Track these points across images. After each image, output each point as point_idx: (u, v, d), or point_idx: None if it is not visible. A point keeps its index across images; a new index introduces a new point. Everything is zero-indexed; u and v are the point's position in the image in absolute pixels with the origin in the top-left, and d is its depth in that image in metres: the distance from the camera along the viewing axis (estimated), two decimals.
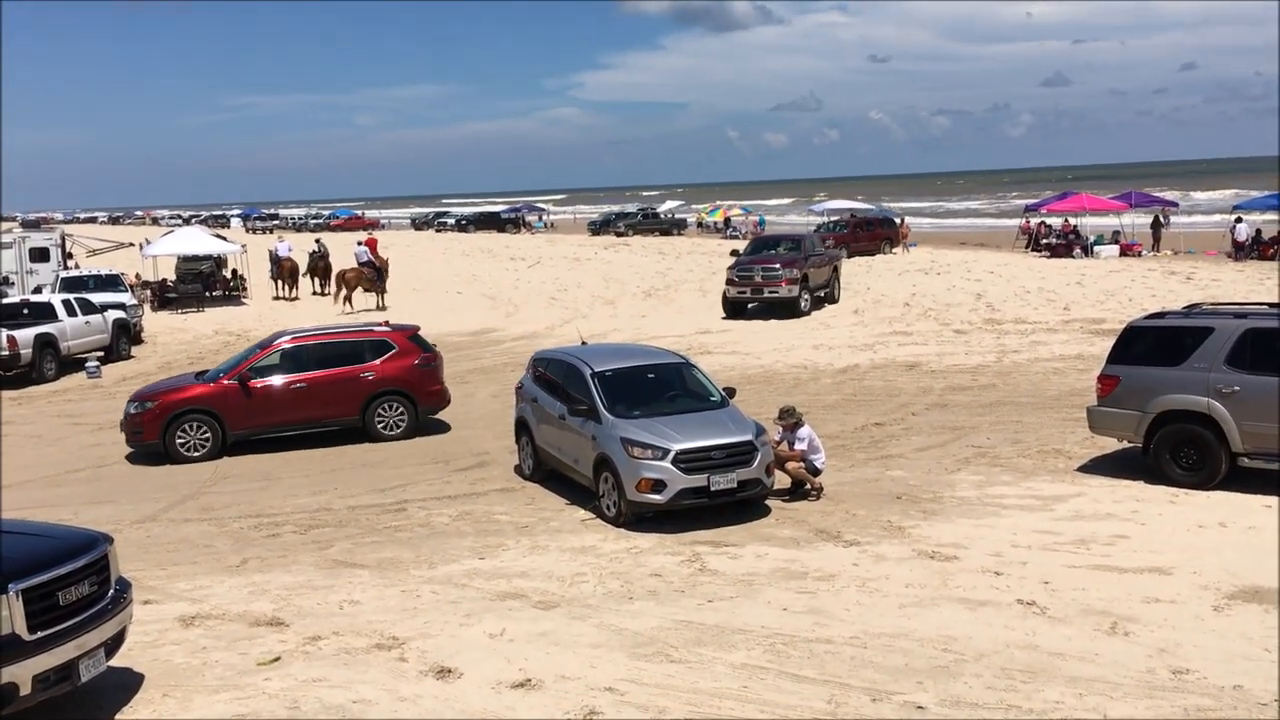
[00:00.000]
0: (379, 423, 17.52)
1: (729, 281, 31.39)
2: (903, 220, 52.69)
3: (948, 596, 9.61)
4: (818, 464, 13.19)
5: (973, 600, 9.48)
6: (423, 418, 17.81)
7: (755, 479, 12.21)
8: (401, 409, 17.60)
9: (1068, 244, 44.28)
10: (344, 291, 34.71)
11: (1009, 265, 40.94)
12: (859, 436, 16.26)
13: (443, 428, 18.30)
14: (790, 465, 13.03)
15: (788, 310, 30.07)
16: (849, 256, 46.66)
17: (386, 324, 18.97)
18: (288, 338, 17.97)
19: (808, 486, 13.08)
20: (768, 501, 12.71)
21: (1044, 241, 46.21)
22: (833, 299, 32.45)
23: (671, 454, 11.92)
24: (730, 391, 13.69)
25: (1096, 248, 43.74)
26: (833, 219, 56.64)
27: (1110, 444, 14.31)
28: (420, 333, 18.88)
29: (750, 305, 30.99)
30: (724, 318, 30.62)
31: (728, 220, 72.36)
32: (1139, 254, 43.00)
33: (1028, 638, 8.64)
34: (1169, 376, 12.90)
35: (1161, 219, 47.74)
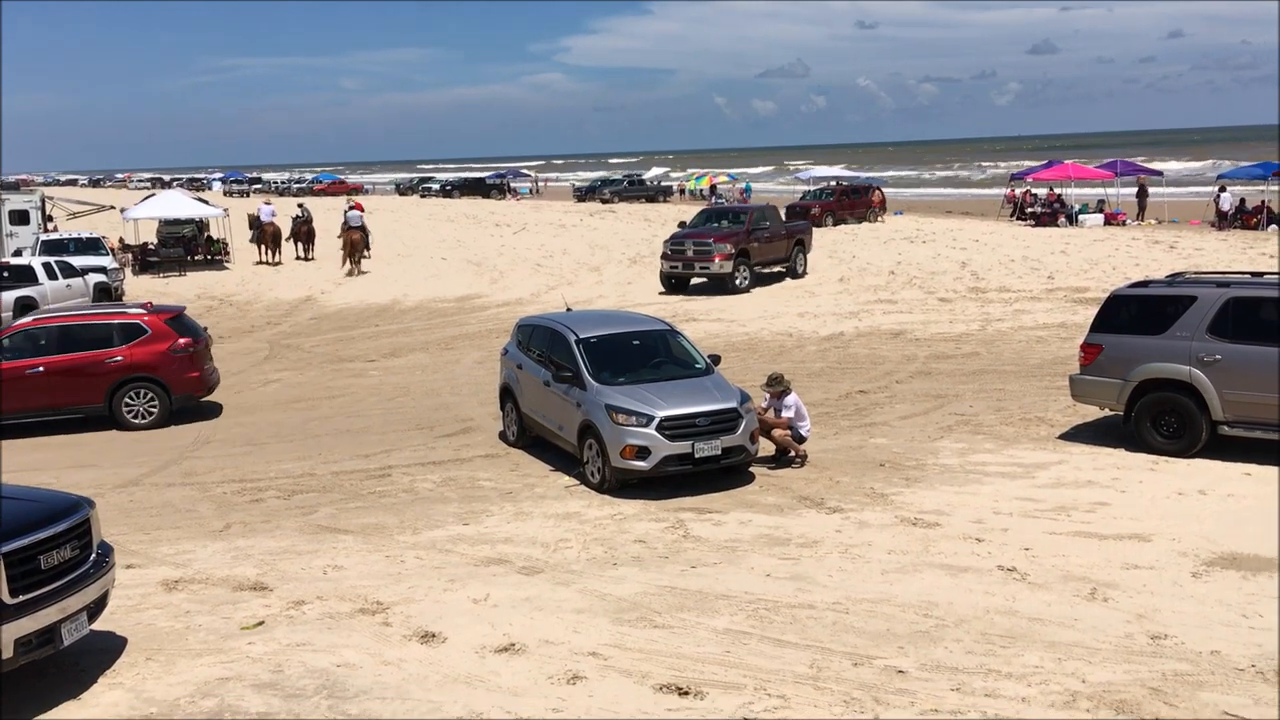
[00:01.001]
0: (127, 411, 16.55)
1: (662, 255, 30.12)
2: (876, 189, 52.18)
3: (929, 563, 9.67)
4: (803, 431, 13.23)
5: (954, 566, 9.55)
6: (177, 405, 16.83)
7: (739, 446, 12.24)
8: (152, 396, 16.62)
9: (1052, 213, 44.30)
10: (355, 254, 35.80)
11: (994, 234, 40.96)
12: (843, 404, 16.31)
13: (429, 395, 18.27)
14: (775, 432, 13.06)
15: (719, 286, 28.76)
16: (834, 224, 46.77)
17: (149, 305, 17.93)
18: (30, 318, 17.22)
19: (792, 454, 13.12)
20: (752, 468, 12.75)
21: (1029, 210, 46.22)
22: (794, 274, 31.22)
23: (656, 420, 11.93)
24: (715, 359, 13.70)
25: (1081, 217, 43.79)
26: (818, 186, 56.56)
27: (1092, 412, 14.39)
28: (185, 315, 17.85)
29: (692, 280, 29.76)
30: (660, 293, 29.23)
31: (713, 188, 72.14)
32: (1123, 223, 43.08)
33: (1008, 603, 8.71)
34: (1151, 345, 12.96)
35: (1146, 188, 47.81)
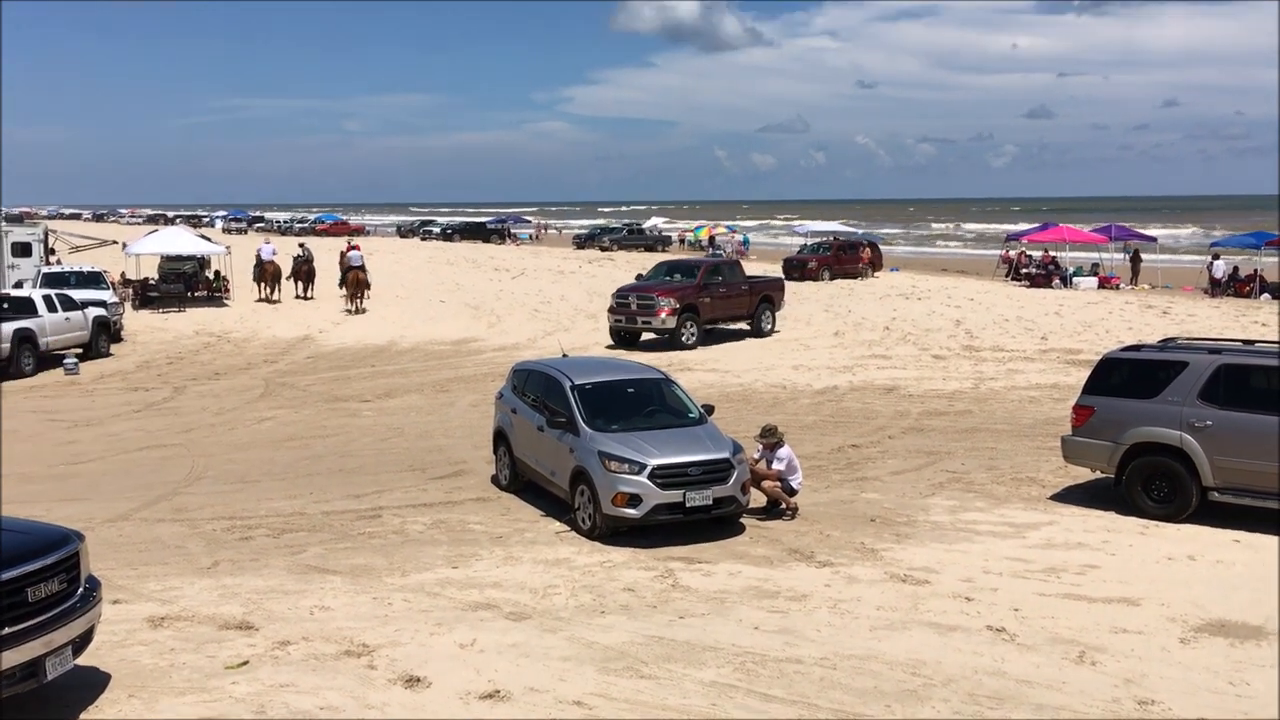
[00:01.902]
0: None
1: (609, 309, 29.36)
2: (864, 246, 51.90)
3: (918, 620, 9.66)
4: (794, 484, 13.25)
5: (943, 625, 9.54)
6: None
7: (731, 496, 12.25)
8: None
9: (1047, 274, 44.60)
10: (359, 292, 36.31)
11: (989, 293, 41.20)
12: (835, 458, 16.33)
13: (422, 436, 18.27)
14: (766, 484, 13.08)
15: (668, 342, 27.68)
16: (830, 278, 47.00)
17: None
18: None
19: (783, 506, 13.13)
20: (742, 520, 12.75)
21: (1024, 271, 46.52)
22: (759, 332, 30.06)
23: (648, 469, 11.95)
24: (709, 408, 13.74)
25: (1075, 279, 44.09)
26: (816, 241, 56.92)
27: (1083, 474, 14.42)
28: None
29: (640, 336, 28.64)
30: (608, 346, 28.15)
31: (712, 239, 72.56)
32: (1117, 287, 43.37)
33: (996, 664, 8.69)
34: (1143, 409, 13.02)
35: (1140, 253, 48.18)
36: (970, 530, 12.51)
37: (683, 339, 27.93)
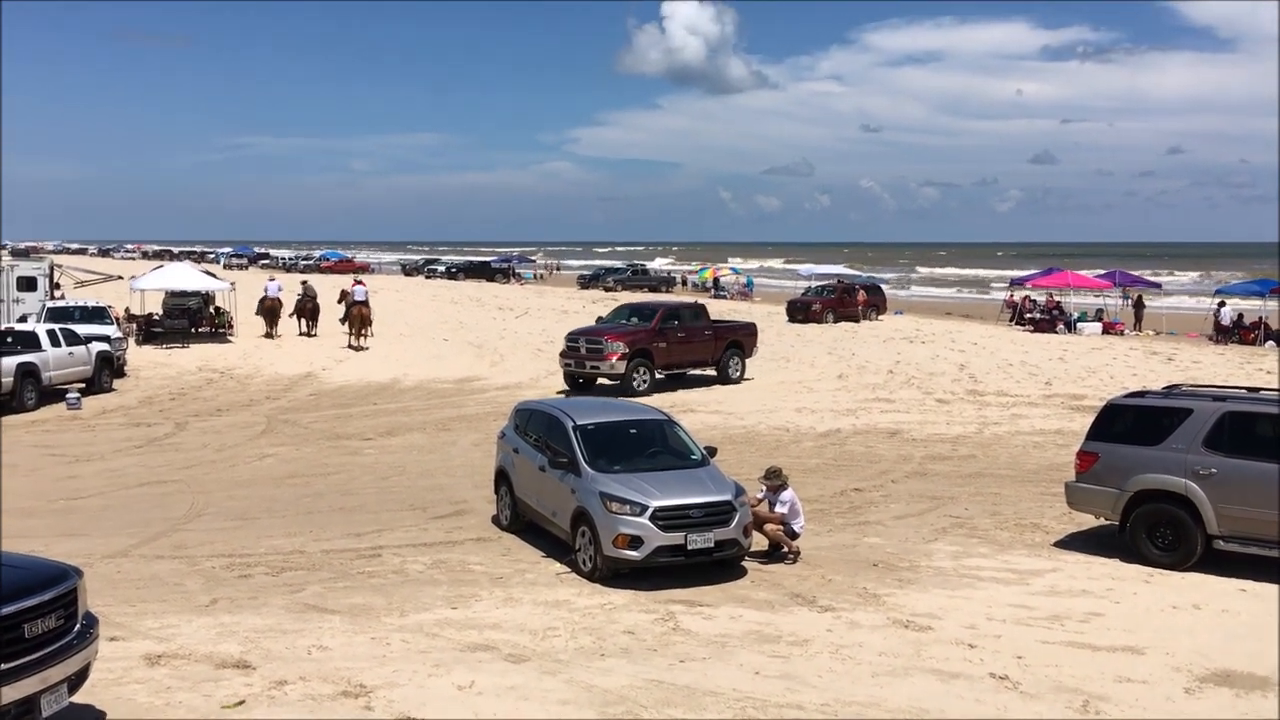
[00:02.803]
0: None
1: (560, 353, 28.34)
2: (861, 290, 51.77)
3: (920, 667, 9.57)
4: (796, 528, 13.19)
5: (945, 672, 9.45)
6: None
7: (733, 539, 12.19)
8: None
9: (1051, 319, 44.67)
10: (362, 328, 36.42)
11: (993, 338, 41.24)
12: (838, 501, 16.27)
13: (424, 475, 18.23)
14: (769, 527, 13.02)
15: (620, 388, 26.00)
16: (835, 321, 47.07)
17: None
18: None
19: (785, 549, 13.06)
20: (744, 563, 12.68)
21: (1028, 316, 46.61)
22: (726, 378, 29.04)
23: (650, 510, 11.90)
24: (711, 450, 13.70)
25: (1079, 324, 44.14)
26: (820, 283, 57.09)
27: (1087, 520, 14.35)
28: None
29: (595, 380, 27.37)
30: (559, 392, 26.65)
31: (716, 280, 72.80)
32: (1121, 332, 43.42)
33: (999, 712, 8.60)
34: (1147, 456, 12.97)
35: (1143, 299, 48.28)
36: (973, 576, 12.43)
37: (634, 385, 26.46)
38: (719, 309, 55.19)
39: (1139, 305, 47.05)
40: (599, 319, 31.20)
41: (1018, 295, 51.21)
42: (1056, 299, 47.57)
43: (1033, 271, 58.68)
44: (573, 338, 28.04)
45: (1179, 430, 12.82)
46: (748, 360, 30.05)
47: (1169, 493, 12.74)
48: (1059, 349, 37.11)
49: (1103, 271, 55.01)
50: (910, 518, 15.27)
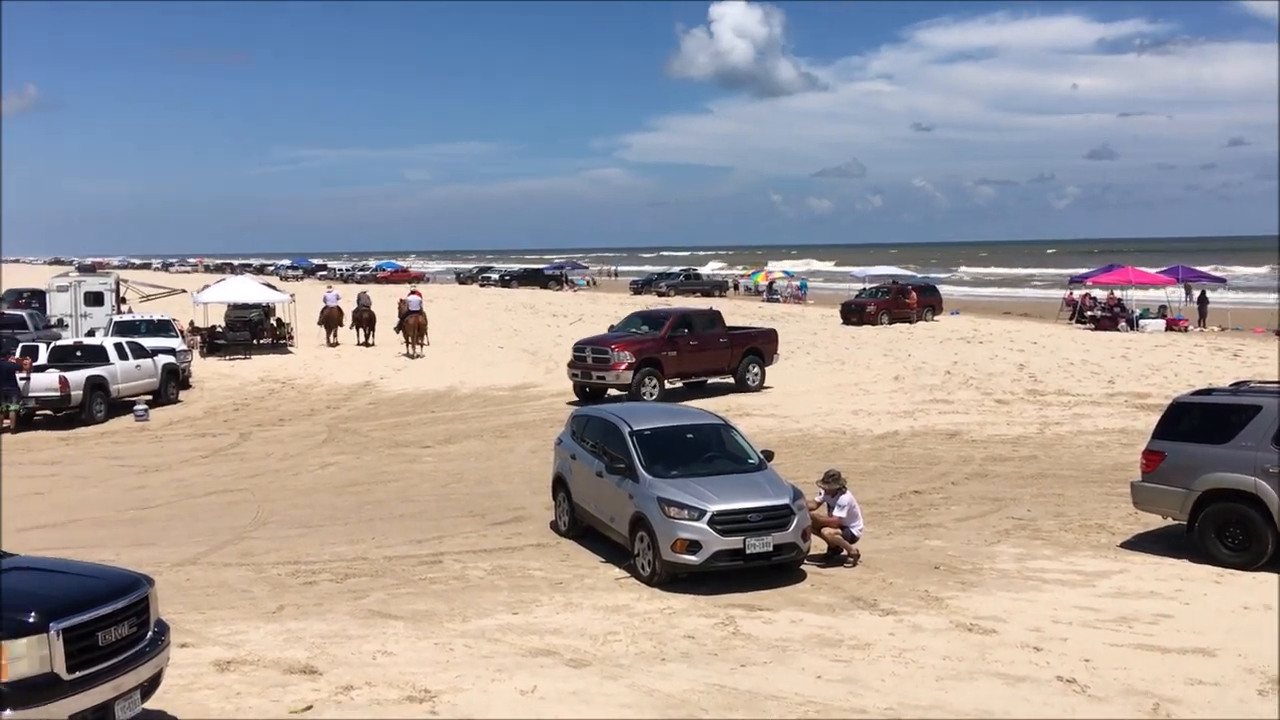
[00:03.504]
0: None
1: (568, 363, 27.74)
2: (913, 291, 51.26)
3: (985, 670, 9.47)
4: (855, 531, 13.11)
5: (1011, 675, 9.34)
6: None
7: (791, 543, 12.15)
8: None
9: (1113, 317, 43.98)
10: (419, 337, 37.01)
11: (1053, 336, 40.68)
12: (897, 504, 16.14)
13: (482, 482, 18.38)
14: (827, 531, 12.96)
15: (629, 397, 25.11)
16: (890, 322, 46.72)
17: None
18: None
19: (844, 553, 12.98)
20: (803, 567, 12.62)
21: (1089, 314, 45.93)
22: (744, 386, 28.12)
23: (708, 515, 11.90)
24: (768, 454, 13.67)
25: (1142, 321, 43.39)
26: (874, 285, 56.70)
27: (1154, 521, 14.10)
28: None
29: (605, 391, 26.48)
30: (569, 403, 25.82)
31: (771, 284, 72.56)
32: (1185, 329, 42.61)
33: (1067, 715, 8.49)
34: (1215, 454, 12.73)
35: (1207, 294, 47.36)
36: (1038, 578, 12.27)
37: (642, 396, 25.56)
38: (771, 313, 55.11)
39: (1203, 301, 46.14)
40: (611, 327, 30.56)
41: (1078, 293, 50.46)
42: (1118, 296, 46.82)
43: (1093, 269, 57.81)
44: (580, 347, 27.43)
45: (1247, 428, 12.56)
46: (768, 368, 29.09)
47: (1238, 491, 12.48)
48: (1121, 347, 36.50)
49: (1165, 267, 54.02)
50: (972, 520, 15.11)
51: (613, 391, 26.50)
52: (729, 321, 30.95)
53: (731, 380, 28.46)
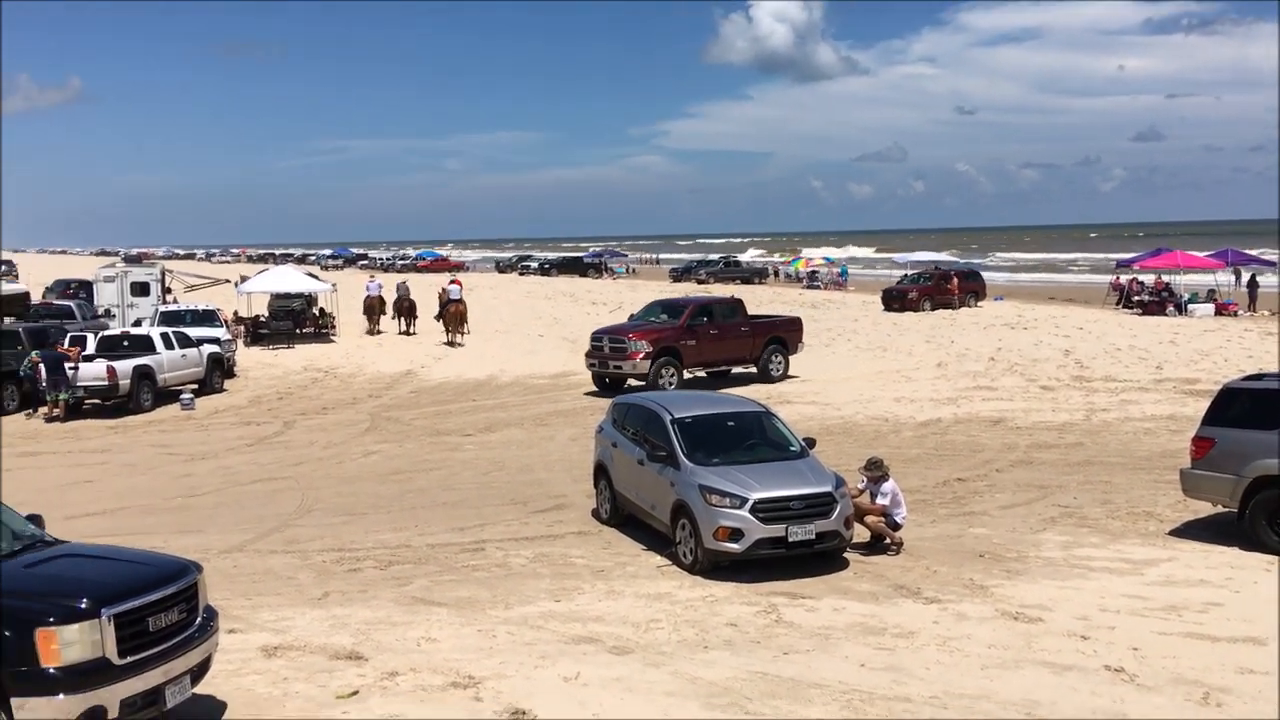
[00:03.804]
0: None
1: (586, 353, 27.41)
2: (955, 276, 50.79)
3: (1032, 659, 9.38)
4: (898, 519, 13.02)
5: (1058, 664, 9.24)
6: None
7: (834, 531, 12.08)
8: None
9: (1160, 302, 43.35)
10: (459, 325, 37.23)
11: (1099, 322, 40.17)
12: (940, 491, 16.01)
13: (523, 470, 18.45)
14: (870, 519, 12.88)
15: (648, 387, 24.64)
16: (932, 309, 46.34)
17: None
18: None
19: (887, 541, 12.90)
20: (846, 554, 12.56)
21: (1136, 298, 45.29)
22: (766, 376, 27.49)
23: (750, 503, 11.86)
24: (810, 442, 13.60)
25: (1190, 306, 42.73)
26: (916, 271, 56.24)
27: (1204, 508, 13.89)
28: None
29: (625, 381, 26.09)
30: (586, 393, 26.45)
31: (813, 272, 72.15)
32: (1235, 314, 41.90)
33: (1115, 705, 8.39)
34: (1266, 440, 12.50)
35: (1257, 278, 46.54)
36: (1085, 567, 12.13)
37: (661, 386, 25.04)
38: (812, 299, 54.84)
39: (1253, 285, 45.35)
40: (631, 316, 30.15)
41: (1125, 278, 49.76)
42: (1165, 280, 46.13)
43: (1140, 252, 56.95)
44: (597, 336, 27.06)
45: None
46: (792, 357, 28.60)
47: None
48: (1169, 332, 35.97)
49: (1214, 251, 53.10)
50: (1017, 507, 14.96)
51: (633, 381, 26.26)
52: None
53: (754, 370, 27.99)
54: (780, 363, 28.17)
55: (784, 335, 28.56)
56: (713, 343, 26.92)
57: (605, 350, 26.40)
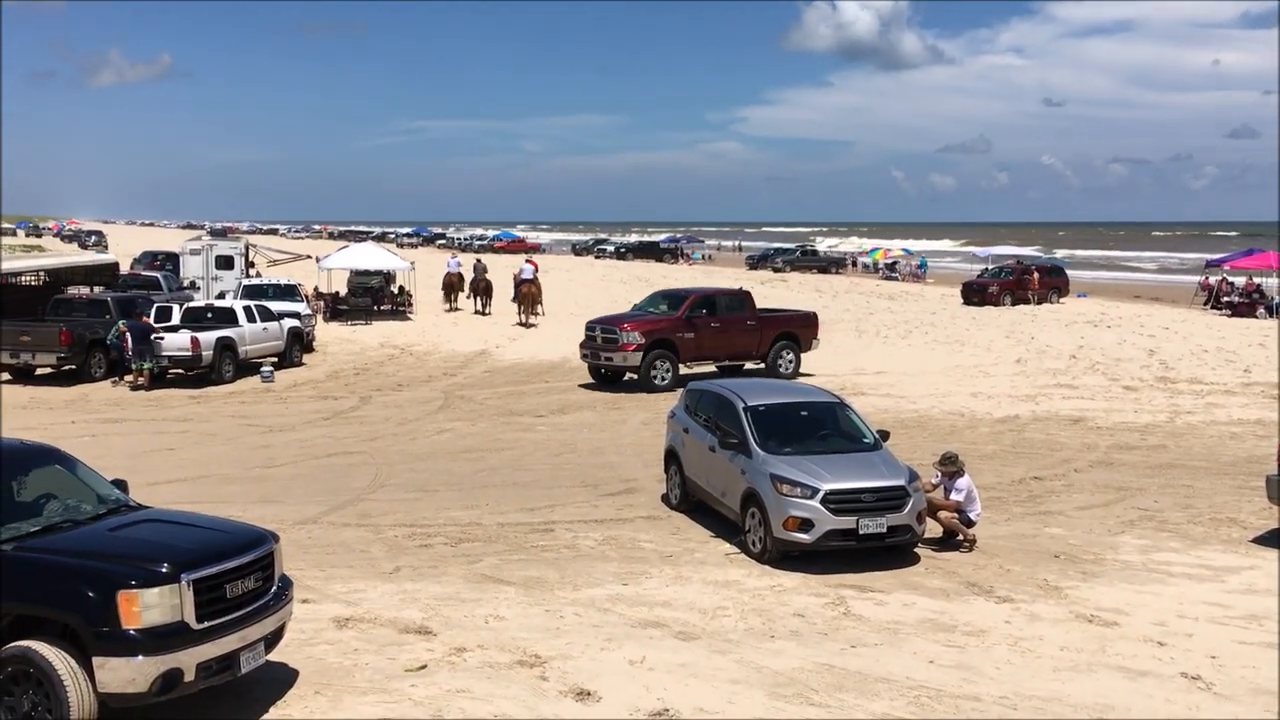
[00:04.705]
0: None
1: (580, 343, 26.43)
2: (1035, 271, 49.70)
3: (1106, 663, 9.19)
4: (972, 515, 12.83)
5: (1133, 670, 9.05)
6: None
7: (905, 525, 11.95)
8: None
9: (1251, 303, 42.07)
10: (532, 306, 37.66)
11: (1186, 322, 39.14)
12: (1016, 490, 15.74)
13: (594, 453, 18.52)
14: (943, 514, 12.71)
15: (639, 382, 24.01)
16: (1013, 304, 45.49)
17: None
18: None
19: (960, 537, 12.72)
20: (917, 549, 12.42)
21: (1225, 299, 44.01)
22: (775, 372, 25.69)
23: (821, 493, 11.77)
24: (884, 434, 13.45)
25: None
26: (997, 265, 55.27)
27: None
28: None
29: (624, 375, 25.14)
30: (580, 385, 25.71)
31: (892, 264, 71.25)
32: None
33: (1191, 713, 8.20)
34: None
35: None
36: (1163, 571, 11.85)
37: (654, 379, 24.31)
38: (889, 291, 54.21)
39: None
40: (634, 306, 29.15)
41: (1214, 278, 48.36)
42: (1257, 281, 44.74)
43: (1231, 252, 55.31)
44: (591, 326, 26.08)
45: None
46: (804, 354, 26.87)
47: None
48: (1259, 334, 34.90)
49: None
50: (1095, 509, 14.65)
51: (629, 376, 25.17)
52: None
53: (762, 365, 26.28)
54: (790, 360, 26.37)
55: (796, 331, 26.93)
56: (713, 336, 25.53)
57: (598, 340, 25.50)
